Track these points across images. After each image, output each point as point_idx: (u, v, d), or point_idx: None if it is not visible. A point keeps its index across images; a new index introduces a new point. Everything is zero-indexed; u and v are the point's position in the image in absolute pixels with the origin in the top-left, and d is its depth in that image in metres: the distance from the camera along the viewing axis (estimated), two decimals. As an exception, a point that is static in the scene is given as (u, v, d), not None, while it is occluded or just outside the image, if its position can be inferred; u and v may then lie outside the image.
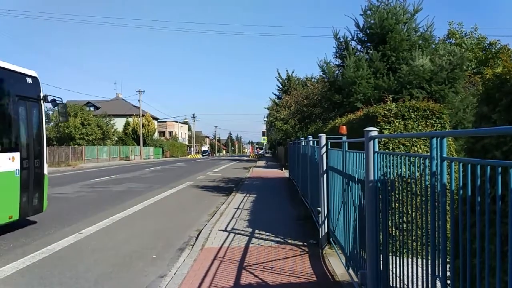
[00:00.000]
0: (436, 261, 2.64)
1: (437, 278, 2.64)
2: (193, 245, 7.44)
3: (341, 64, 13.16)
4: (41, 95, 9.58)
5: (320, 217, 7.14)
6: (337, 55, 13.60)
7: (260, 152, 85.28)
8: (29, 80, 9.24)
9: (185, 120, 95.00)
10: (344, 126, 6.18)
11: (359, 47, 13.28)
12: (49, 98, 9.76)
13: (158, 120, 78.22)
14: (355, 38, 13.27)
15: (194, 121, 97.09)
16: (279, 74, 37.65)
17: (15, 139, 8.63)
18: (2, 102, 8.43)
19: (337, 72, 13.36)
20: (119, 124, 59.13)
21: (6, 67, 8.50)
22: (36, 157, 9.21)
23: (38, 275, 5.99)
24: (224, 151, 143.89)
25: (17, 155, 8.47)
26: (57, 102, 9.97)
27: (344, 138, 5.66)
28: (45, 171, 9.53)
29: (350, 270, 5.20)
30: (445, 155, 2.56)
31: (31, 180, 8.92)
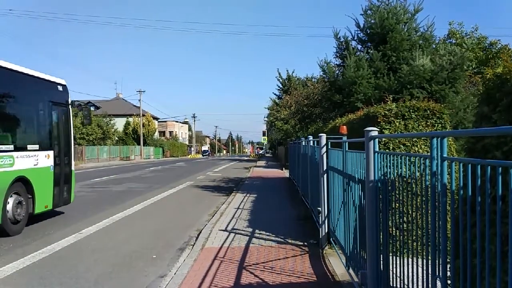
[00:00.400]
0: (437, 261, 2.64)
1: (438, 278, 2.64)
2: (193, 245, 7.43)
3: (341, 64, 13.16)
4: (69, 100, 11.02)
5: (320, 217, 7.14)
6: (338, 55, 13.60)
7: (261, 152, 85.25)
8: (60, 88, 10.64)
9: (186, 120, 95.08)
10: (345, 126, 6.18)
11: (359, 47, 13.29)
12: (76, 103, 11.37)
13: (159, 120, 78.24)
14: (355, 38, 13.29)
15: (194, 121, 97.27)
16: (279, 74, 37.68)
17: (49, 139, 10.10)
18: (39, 107, 9.93)
19: (337, 72, 13.36)
20: (119, 124, 59.11)
21: (41, 77, 9.93)
22: (66, 154, 10.63)
23: (38, 275, 5.99)
24: (224, 151, 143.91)
25: (51, 153, 9.88)
26: (82, 106, 11.63)
27: (345, 138, 5.66)
28: (73, 167, 11.02)
29: (351, 270, 5.20)
30: (445, 155, 2.55)
31: (62, 175, 10.29)
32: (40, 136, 9.85)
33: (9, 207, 8.27)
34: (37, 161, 9.32)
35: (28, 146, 9.16)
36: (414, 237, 3.18)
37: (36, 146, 9.39)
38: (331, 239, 6.85)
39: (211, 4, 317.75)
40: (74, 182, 11.03)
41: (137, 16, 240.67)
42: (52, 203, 9.81)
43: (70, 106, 10.98)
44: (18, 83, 9.04)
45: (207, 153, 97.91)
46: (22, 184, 8.83)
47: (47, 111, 10.10)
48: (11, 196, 8.38)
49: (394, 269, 3.61)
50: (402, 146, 6.38)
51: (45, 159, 9.62)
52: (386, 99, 8.71)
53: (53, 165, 9.86)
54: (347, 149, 5.45)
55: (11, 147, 8.58)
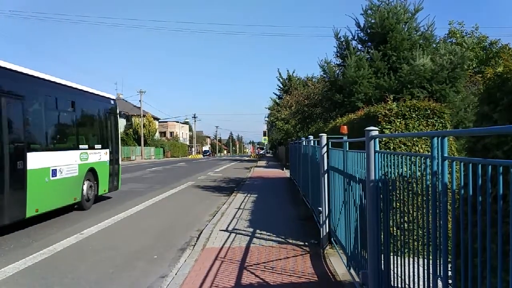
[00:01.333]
0: (438, 260, 2.64)
1: (439, 278, 2.64)
2: (194, 245, 7.44)
3: (342, 64, 13.15)
4: (117, 111, 14.63)
5: (321, 217, 7.14)
6: (338, 55, 13.59)
7: (261, 152, 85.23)
8: (112, 102, 14.18)
9: (186, 120, 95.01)
10: (345, 126, 6.18)
11: (360, 46, 13.28)
12: (121, 113, 16.09)
13: (159, 120, 78.22)
14: (356, 38, 13.28)
15: (195, 121, 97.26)
16: (280, 74, 37.70)
17: (107, 140, 13.47)
18: (101, 116, 13.27)
19: (338, 71, 13.35)
20: (120, 124, 59.05)
21: (102, 94, 13.51)
22: (116, 152, 14.10)
23: (39, 276, 5.99)
24: (225, 151, 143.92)
25: (108, 151, 13.36)
26: (126, 115, 18.46)
27: (345, 138, 5.66)
28: (120, 162, 14.53)
29: (352, 270, 5.20)
30: (446, 155, 2.55)
31: (114, 167, 13.81)
32: (102, 138, 13.23)
33: (84, 188, 11.67)
34: (100, 156, 12.86)
35: (95, 145, 12.65)
36: (415, 237, 3.17)
37: (100, 146, 12.91)
38: (332, 239, 6.85)
39: (205, 5, 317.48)
40: (120, 174, 14.53)
41: (127, 16, 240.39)
42: (108, 188, 13.32)
43: (118, 115, 14.67)
44: (90, 101, 12.61)
45: (207, 153, 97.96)
46: (91, 173, 12.18)
47: (105, 119, 13.55)
48: (85, 182, 11.72)
49: (395, 268, 3.61)
50: (402, 145, 6.38)
51: (105, 155, 13.20)
52: (387, 99, 8.70)
53: (109, 160, 13.44)
54: (347, 149, 5.45)
55: (87, 146, 12.05)
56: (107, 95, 13.98)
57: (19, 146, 8.74)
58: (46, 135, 10.18)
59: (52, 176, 10.10)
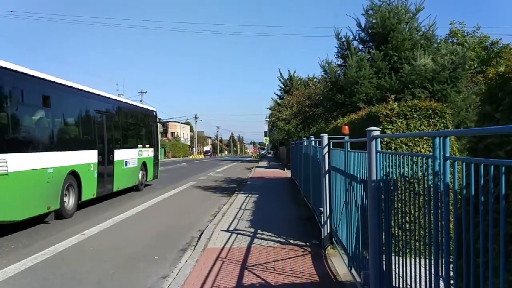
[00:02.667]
0: (439, 261, 2.63)
1: (440, 278, 2.63)
2: (195, 246, 7.43)
3: (343, 64, 13.13)
4: (157, 119, 19.71)
5: (322, 217, 7.13)
6: (339, 55, 13.57)
7: (262, 153, 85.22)
8: (154, 113, 19.22)
9: (187, 121, 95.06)
10: (346, 126, 6.17)
11: (361, 46, 13.26)
12: (160, 121, 19.88)
13: (160, 121, 78.13)
14: (357, 38, 13.24)
15: (196, 121, 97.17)
16: (281, 74, 37.67)
17: (151, 141, 18.18)
18: (147, 124, 18.04)
19: (339, 72, 13.33)
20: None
21: (147, 108, 19.11)
22: (157, 150, 18.94)
23: (40, 276, 5.99)
24: (226, 152, 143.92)
25: (152, 149, 18.22)
26: (162, 122, 21.27)
27: (346, 138, 5.65)
28: (158, 158, 19.25)
29: (353, 271, 5.19)
30: (448, 155, 2.54)
31: (155, 161, 18.53)
32: (149, 140, 17.93)
33: (140, 176, 16.30)
34: (148, 153, 17.55)
35: (146, 145, 17.32)
36: (416, 237, 3.17)
37: (148, 145, 17.62)
38: (333, 239, 6.84)
39: (202, 5, 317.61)
40: (159, 166, 19.22)
41: (121, 16, 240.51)
42: (152, 177, 18.11)
43: (158, 123, 19.56)
44: (142, 113, 17.87)
45: (209, 154, 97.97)
46: (143, 165, 16.85)
47: (150, 126, 18.36)
48: (140, 171, 16.32)
49: (397, 269, 3.60)
50: (404, 146, 6.37)
51: (151, 152, 17.96)
52: (388, 99, 8.69)
53: (153, 156, 18.27)
54: (349, 149, 5.44)
55: (141, 146, 16.70)
56: (151, 108, 19.33)
57: (111, 146, 13.52)
58: (122, 138, 14.85)
59: (125, 166, 14.70)
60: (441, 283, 2.63)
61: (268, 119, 47.72)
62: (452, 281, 2.53)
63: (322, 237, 7.04)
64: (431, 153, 2.69)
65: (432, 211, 2.71)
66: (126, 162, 14.66)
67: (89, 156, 11.92)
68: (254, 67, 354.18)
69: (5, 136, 8.24)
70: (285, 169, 30.38)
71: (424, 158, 2.97)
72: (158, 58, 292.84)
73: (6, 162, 7.97)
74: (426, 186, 2.86)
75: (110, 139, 13.49)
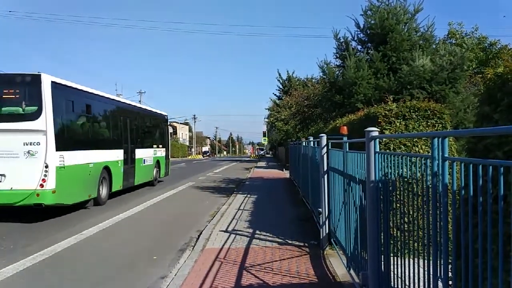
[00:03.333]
0: (438, 261, 2.63)
1: (439, 279, 2.63)
2: (194, 246, 7.43)
3: (341, 65, 13.14)
4: (168, 122, 22.08)
5: (321, 218, 7.13)
6: (338, 56, 13.58)
7: (261, 153, 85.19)
8: (166, 117, 21.57)
9: (186, 121, 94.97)
10: (345, 127, 6.16)
11: (359, 47, 13.28)
12: (170, 125, 23.00)
13: (170, 124, 77.95)
14: (355, 39, 13.26)
15: (194, 121, 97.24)
16: (279, 74, 37.70)
17: (163, 142, 20.31)
18: (160, 127, 20.21)
19: (337, 72, 13.33)
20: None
21: (161, 112, 20.73)
22: (168, 150, 21.08)
23: (39, 277, 5.99)
24: (224, 152, 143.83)
25: (164, 149, 20.31)
26: (172, 126, 23.80)
27: (345, 139, 5.65)
28: (169, 157, 21.49)
29: (352, 271, 5.19)
30: (446, 155, 2.55)
31: (166, 160, 20.69)
32: (161, 141, 20.11)
33: (154, 172, 18.57)
34: (161, 153, 19.79)
35: (159, 145, 19.50)
36: (415, 238, 3.17)
37: (161, 146, 19.82)
38: (331, 239, 6.84)
39: (198, 4, 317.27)
40: (169, 164, 21.59)
41: (118, 16, 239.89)
42: (164, 174, 20.31)
43: (169, 126, 21.92)
44: (156, 117, 20.01)
45: (207, 154, 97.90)
46: (157, 163, 19.09)
47: (162, 128, 20.58)
48: (155, 168, 18.61)
49: (395, 269, 3.60)
50: (402, 146, 6.37)
51: (163, 152, 20.14)
52: (387, 100, 8.70)
53: (165, 155, 20.44)
54: (347, 149, 5.44)
55: (156, 146, 19.00)
56: (163, 113, 21.23)
57: (133, 146, 15.79)
58: (141, 139, 17.12)
59: (143, 163, 17.05)
60: (440, 284, 2.64)
61: (266, 120, 47.70)
62: (450, 282, 2.53)
63: (321, 237, 7.04)
64: (429, 154, 2.69)
65: (430, 212, 2.72)
66: (144, 160, 17.08)
67: (118, 154, 14.27)
68: (254, 68, 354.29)
69: (62, 137, 10.38)
70: (284, 169, 30.37)
71: (422, 159, 2.97)
72: (157, 58, 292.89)
73: (63, 157, 10.25)
74: (424, 186, 2.86)
75: (132, 140, 15.89)
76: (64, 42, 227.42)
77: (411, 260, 3.22)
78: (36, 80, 9.94)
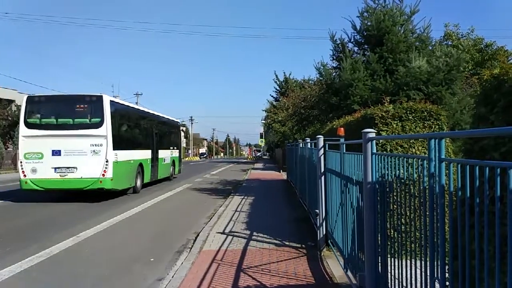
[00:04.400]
0: (435, 262, 2.63)
1: (436, 280, 2.63)
2: (191, 248, 7.41)
3: (338, 66, 13.16)
4: (180, 127, 27.53)
5: (318, 219, 7.13)
6: (334, 57, 13.62)
7: (258, 154, 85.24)
8: (178, 123, 25.87)
9: (183, 123, 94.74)
10: (342, 128, 6.17)
11: (356, 49, 13.31)
12: (182, 130, 37.93)
13: (182, 129, 77.90)
14: (352, 40, 13.29)
15: (191, 123, 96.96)
16: (276, 76, 37.75)
17: (177, 145, 24.06)
18: (174, 131, 24.15)
19: (334, 74, 13.36)
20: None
21: (175, 119, 24.86)
22: (180, 151, 24.91)
23: (35, 279, 5.97)
24: (222, 154, 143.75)
25: (178, 150, 24.19)
26: (184, 131, 45.88)
27: (342, 140, 5.66)
28: (181, 158, 25.49)
29: (349, 272, 5.19)
30: (443, 156, 2.55)
31: (180, 160, 24.57)
32: (175, 143, 23.77)
33: (171, 170, 21.93)
34: (176, 154, 23.41)
35: (174, 148, 23.17)
36: (412, 239, 3.17)
37: (175, 147, 23.43)
38: (329, 241, 6.84)
39: (194, 4, 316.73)
40: (181, 163, 25.43)
41: (113, 17, 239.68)
42: (177, 171, 23.92)
43: (181, 130, 26.24)
44: (172, 124, 23.71)
45: (204, 156, 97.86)
46: (173, 162, 22.64)
47: (176, 132, 24.57)
48: (171, 167, 22.25)
49: (393, 271, 3.61)
50: (399, 147, 6.38)
51: (177, 153, 23.92)
52: (383, 101, 8.72)
53: (178, 156, 24.19)
54: (344, 151, 5.45)
55: (172, 147, 22.50)
56: (176, 120, 25.59)
57: (157, 147, 19.38)
58: (162, 142, 20.64)
59: (164, 162, 20.59)
60: (437, 285, 2.64)
61: (263, 121, 47.79)
62: (447, 283, 2.53)
63: (318, 238, 7.04)
64: (426, 155, 2.70)
65: (427, 213, 2.72)
66: (164, 159, 20.71)
67: (148, 154, 18.15)
68: (251, 69, 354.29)
69: (116, 140, 14.01)
70: (281, 171, 30.37)
71: (419, 160, 2.98)
72: (153, 60, 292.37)
73: (117, 155, 14.05)
74: (421, 187, 2.86)
75: (156, 143, 19.45)
76: (60, 44, 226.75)
77: (408, 261, 3.22)
78: (99, 99, 13.74)
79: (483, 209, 2.09)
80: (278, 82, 37.55)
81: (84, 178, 13.44)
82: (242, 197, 14.59)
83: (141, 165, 16.80)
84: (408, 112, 6.55)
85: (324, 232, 6.98)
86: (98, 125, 13.60)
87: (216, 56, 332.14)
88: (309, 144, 9.57)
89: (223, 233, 8.49)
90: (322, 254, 6.70)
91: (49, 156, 13.52)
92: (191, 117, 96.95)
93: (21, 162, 13.70)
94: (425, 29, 12.39)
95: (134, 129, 17.15)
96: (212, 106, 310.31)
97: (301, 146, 12.04)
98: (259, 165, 45.53)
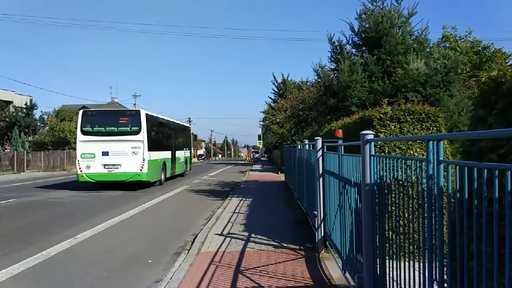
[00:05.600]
0: (433, 264, 2.64)
1: (434, 282, 2.64)
2: (189, 250, 7.41)
3: (336, 68, 13.17)
4: (191, 131, 35.25)
5: (316, 221, 7.13)
6: (332, 59, 13.63)
7: (256, 156, 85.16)
8: (189, 128, 33.48)
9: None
10: (340, 130, 6.18)
11: (354, 51, 13.31)
12: (192, 133, 44.31)
13: (192, 133, 77.73)
14: (350, 42, 13.29)
15: (190, 125, 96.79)
16: (274, 77, 37.74)
17: (188, 146, 29.89)
18: (186, 135, 29.81)
19: (332, 76, 13.37)
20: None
21: (186, 124, 34.80)
22: (190, 152, 30.98)
23: (33, 281, 5.95)
24: (220, 155, 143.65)
25: (189, 151, 30.24)
26: (193, 134, 51.94)
27: (340, 142, 5.66)
28: (191, 158, 32.83)
29: (347, 274, 5.19)
30: (441, 158, 2.56)
31: (190, 159, 30.26)
32: (187, 145, 28.89)
33: (184, 167, 27.44)
34: (188, 154, 29.02)
35: (186, 148, 28.18)
36: (410, 241, 3.17)
37: (187, 148, 28.70)
38: (327, 242, 6.84)
39: (195, 6, 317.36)
40: (191, 161, 31.28)
41: (112, 19, 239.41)
42: (189, 169, 29.31)
43: (191, 133, 33.91)
44: (184, 128, 29.78)
45: (202, 157, 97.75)
46: (185, 161, 28.01)
47: (187, 135, 29.88)
48: (184, 164, 27.62)
49: (391, 272, 3.61)
50: (397, 149, 6.39)
51: (188, 153, 29.31)
52: (382, 103, 8.73)
53: (189, 155, 29.57)
54: (343, 152, 5.46)
55: (184, 148, 27.77)
56: (187, 124, 32.52)
57: (174, 148, 23.84)
58: (177, 143, 25.09)
59: (179, 160, 25.13)
60: (435, 286, 2.64)
61: (262, 123, 47.81)
62: (446, 284, 2.54)
63: (316, 240, 7.04)
64: (424, 157, 2.70)
65: (426, 214, 2.73)
66: (179, 158, 25.15)
67: (169, 154, 22.52)
68: (249, 70, 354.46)
69: (149, 144, 18.46)
70: (279, 172, 30.37)
71: (418, 162, 2.98)
72: (151, 61, 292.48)
73: (150, 155, 18.44)
74: (420, 189, 2.87)
75: (174, 145, 24.14)
76: (59, 45, 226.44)
77: (407, 263, 3.23)
78: (137, 112, 18.91)
79: (481, 210, 2.09)
80: (276, 84, 37.55)
81: (127, 172, 17.92)
82: (240, 198, 14.58)
83: (164, 163, 21.12)
84: (406, 114, 6.56)
85: (323, 234, 6.98)
86: (137, 132, 18.21)
87: (214, 58, 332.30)
88: (307, 145, 9.58)
89: (221, 234, 8.48)
90: (320, 256, 6.70)
91: (99, 156, 17.94)
92: (189, 118, 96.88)
93: (78, 160, 18.07)
94: (423, 31, 12.42)
95: (160, 134, 21.77)
96: (210, 108, 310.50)
97: (299, 147, 12.05)
98: (257, 166, 45.52)
